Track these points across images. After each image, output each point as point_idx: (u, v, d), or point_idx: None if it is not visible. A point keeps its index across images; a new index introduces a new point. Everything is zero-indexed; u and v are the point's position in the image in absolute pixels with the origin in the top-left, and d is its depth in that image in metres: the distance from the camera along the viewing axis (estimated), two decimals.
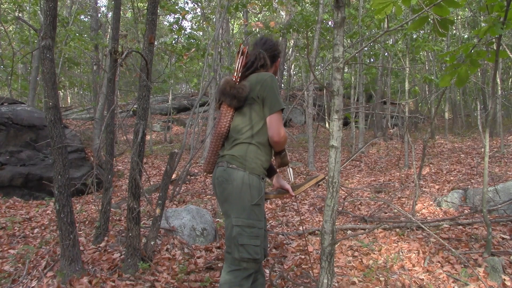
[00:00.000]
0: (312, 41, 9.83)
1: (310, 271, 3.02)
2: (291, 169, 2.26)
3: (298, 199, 5.57)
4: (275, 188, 2.18)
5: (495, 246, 3.17)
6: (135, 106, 3.15)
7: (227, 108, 2.02)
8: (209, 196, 5.86)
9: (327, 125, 15.06)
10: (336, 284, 2.76)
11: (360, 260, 3.19)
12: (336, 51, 1.86)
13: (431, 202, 4.86)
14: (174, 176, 6.31)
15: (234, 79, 2.03)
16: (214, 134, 2.05)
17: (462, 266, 2.89)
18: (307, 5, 11.36)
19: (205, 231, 3.68)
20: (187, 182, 6.93)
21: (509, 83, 15.98)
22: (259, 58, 2.05)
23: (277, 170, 2.19)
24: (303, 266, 3.13)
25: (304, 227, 4.16)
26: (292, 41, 14.13)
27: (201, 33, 11.79)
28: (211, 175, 2.10)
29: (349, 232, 3.98)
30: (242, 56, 2.05)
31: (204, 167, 2.12)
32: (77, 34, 10.18)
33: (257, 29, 9.61)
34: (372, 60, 13.31)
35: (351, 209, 4.88)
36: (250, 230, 1.88)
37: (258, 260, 1.92)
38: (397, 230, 3.77)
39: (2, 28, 10.46)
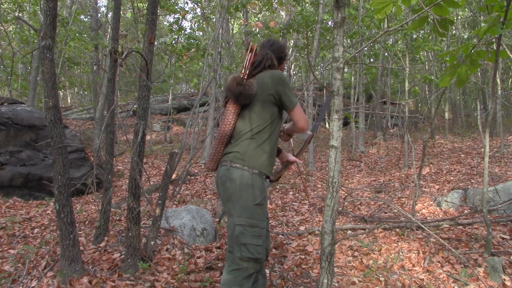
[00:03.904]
0: (312, 41, 9.83)
1: (310, 271, 3.02)
2: (291, 140, 2.38)
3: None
4: (281, 163, 2.27)
5: (495, 246, 3.17)
6: (135, 106, 3.15)
7: (232, 106, 2.03)
8: (209, 196, 5.86)
9: (327, 125, 15.06)
10: (336, 284, 2.76)
11: (360, 260, 3.19)
12: (336, 51, 1.86)
13: (431, 202, 4.86)
14: (174, 176, 6.31)
15: (241, 76, 2.04)
16: (218, 132, 2.07)
17: (462, 266, 2.89)
18: (307, 5, 11.36)
19: (205, 231, 3.68)
20: (187, 182, 6.93)
21: (509, 83, 15.99)
22: (267, 58, 2.08)
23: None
24: (303, 266, 3.13)
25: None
26: (292, 41, 14.13)
27: (201, 33, 11.79)
28: (213, 173, 2.13)
29: (349, 232, 3.98)
30: (250, 53, 2.06)
31: (207, 165, 2.14)
32: (77, 34, 10.18)
33: (257, 29, 9.60)
34: (372, 60, 13.31)
35: (351, 209, 4.88)
36: (252, 229, 1.89)
37: (259, 260, 1.92)
38: (397, 230, 3.77)
39: (2, 28, 10.46)
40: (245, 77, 2.03)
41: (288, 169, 2.28)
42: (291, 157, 2.24)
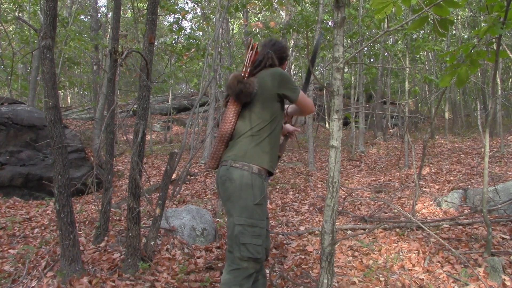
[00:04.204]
0: (312, 41, 9.83)
1: (310, 271, 3.02)
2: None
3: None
4: (282, 135, 2.34)
5: (495, 246, 3.17)
6: (135, 106, 3.15)
7: (233, 105, 2.04)
8: (209, 196, 5.86)
9: (327, 125, 15.06)
10: (336, 284, 2.76)
11: (360, 260, 3.19)
12: (336, 51, 1.86)
13: (431, 202, 4.86)
14: (174, 176, 6.31)
15: (242, 74, 2.04)
16: (218, 132, 2.09)
17: (462, 266, 2.89)
18: (307, 5, 11.36)
19: (205, 231, 3.68)
20: (187, 182, 6.93)
21: (509, 83, 15.98)
22: (267, 57, 2.09)
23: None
24: (303, 266, 3.13)
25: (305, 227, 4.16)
26: (292, 41, 14.13)
27: (201, 33, 11.79)
28: (213, 173, 2.15)
29: (349, 232, 3.98)
30: (251, 51, 2.07)
31: (208, 163, 2.16)
32: (77, 34, 10.18)
33: (257, 29, 9.60)
34: (372, 60, 13.31)
35: (351, 209, 4.88)
36: (252, 229, 1.89)
37: (259, 260, 1.92)
38: (397, 230, 3.77)
39: (2, 28, 10.46)
40: (246, 75, 2.04)
41: (290, 138, 2.38)
42: (290, 127, 2.33)
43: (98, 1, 13.19)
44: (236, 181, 1.92)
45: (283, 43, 2.20)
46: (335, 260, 3.13)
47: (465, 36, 12.49)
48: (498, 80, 8.12)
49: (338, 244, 3.55)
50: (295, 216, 4.77)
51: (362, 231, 3.89)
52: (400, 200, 5.20)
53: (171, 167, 3.25)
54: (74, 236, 2.70)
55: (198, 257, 3.23)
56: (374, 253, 3.30)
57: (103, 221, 3.44)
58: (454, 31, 13.30)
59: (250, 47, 2.07)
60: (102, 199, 3.51)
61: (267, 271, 2.84)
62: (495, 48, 2.97)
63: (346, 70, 14.56)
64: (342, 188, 5.73)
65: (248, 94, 1.97)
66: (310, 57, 2.36)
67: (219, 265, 3.08)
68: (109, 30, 10.89)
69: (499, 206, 3.97)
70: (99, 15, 12.14)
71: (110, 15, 12.22)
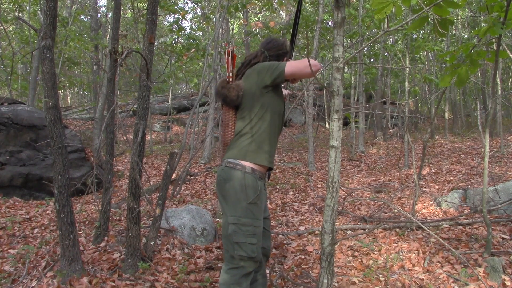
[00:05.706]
0: (312, 41, 9.83)
1: (310, 271, 3.02)
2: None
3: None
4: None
5: (495, 246, 3.17)
6: (135, 106, 3.15)
7: (226, 109, 2.05)
8: (209, 196, 5.86)
9: (327, 125, 15.06)
10: (336, 284, 2.76)
11: (360, 260, 3.19)
12: (336, 51, 1.86)
13: (431, 202, 4.86)
14: (174, 176, 6.31)
15: (227, 79, 2.05)
16: (221, 138, 2.11)
17: (462, 266, 2.89)
18: (307, 5, 11.36)
19: (205, 231, 3.68)
20: (187, 182, 6.93)
21: (509, 83, 15.98)
22: (256, 56, 2.10)
23: None
24: (303, 266, 3.13)
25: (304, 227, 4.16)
26: None
27: (201, 33, 11.79)
28: (214, 173, 2.17)
29: (349, 232, 3.98)
30: (228, 57, 2.07)
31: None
32: (77, 34, 10.18)
33: (257, 29, 9.61)
34: (372, 60, 13.31)
35: (351, 209, 4.88)
36: (245, 228, 1.90)
37: (255, 258, 1.93)
38: (397, 230, 3.77)
39: (2, 28, 10.46)
40: (231, 79, 2.04)
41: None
42: (284, 92, 2.27)
43: (98, 1, 13.19)
44: (230, 181, 1.93)
45: (280, 41, 2.16)
46: (335, 260, 3.13)
47: (465, 36, 12.50)
48: (498, 80, 8.12)
49: (338, 244, 3.55)
50: (295, 216, 4.77)
51: (362, 231, 3.89)
52: (400, 200, 5.20)
53: (171, 167, 3.25)
54: (74, 236, 2.71)
55: (198, 257, 3.23)
56: (374, 253, 3.30)
57: (103, 221, 3.44)
58: (454, 31, 13.31)
59: (226, 53, 2.07)
60: (102, 199, 3.52)
61: (267, 271, 2.84)
62: (495, 48, 2.97)
63: (346, 70, 14.58)
64: (342, 188, 5.73)
65: (232, 98, 1.97)
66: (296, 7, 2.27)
67: (219, 265, 3.08)
68: (109, 30, 10.89)
69: (499, 206, 3.97)
70: (99, 15, 12.14)
71: (110, 15, 12.22)
